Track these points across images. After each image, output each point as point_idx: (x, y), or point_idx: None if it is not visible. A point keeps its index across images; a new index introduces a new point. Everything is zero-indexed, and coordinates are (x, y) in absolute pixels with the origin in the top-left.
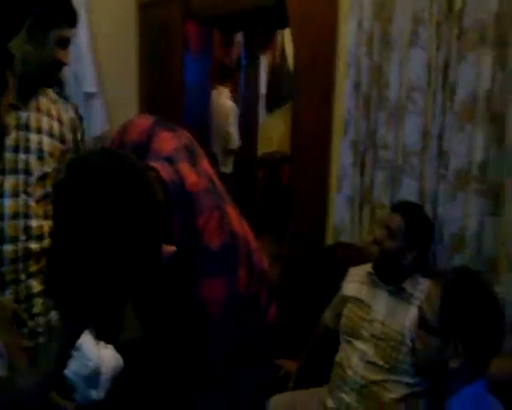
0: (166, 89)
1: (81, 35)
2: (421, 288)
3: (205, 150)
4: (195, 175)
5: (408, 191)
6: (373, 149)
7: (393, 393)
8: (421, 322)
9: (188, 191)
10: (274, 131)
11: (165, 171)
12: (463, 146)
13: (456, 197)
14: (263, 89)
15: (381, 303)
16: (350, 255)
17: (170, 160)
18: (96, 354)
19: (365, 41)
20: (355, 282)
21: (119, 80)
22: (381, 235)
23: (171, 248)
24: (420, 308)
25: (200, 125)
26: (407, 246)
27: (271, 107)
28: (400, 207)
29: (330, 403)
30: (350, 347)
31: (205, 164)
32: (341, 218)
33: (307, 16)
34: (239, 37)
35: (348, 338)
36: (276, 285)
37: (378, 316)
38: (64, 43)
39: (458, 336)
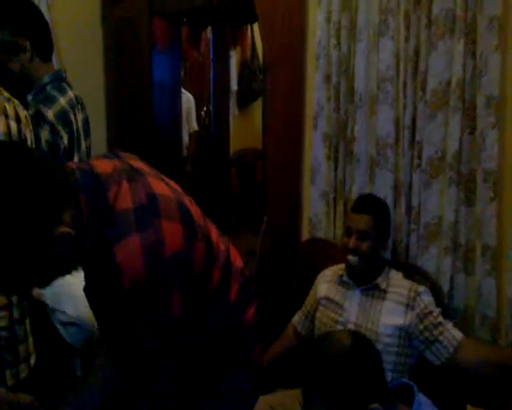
0: (134, 87)
1: None
2: (395, 282)
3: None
4: (108, 163)
5: (382, 184)
6: (344, 142)
7: None
8: None
9: (96, 173)
10: (246, 128)
11: (72, 163)
12: (436, 135)
13: (431, 187)
14: (234, 85)
15: (353, 304)
16: (324, 252)
17: (84, 162)
18: None
19: (334, 32)
20: (326, 283)
21: (84, 80)
22: (353, 243)
23: (64, 230)
24: None
25: (171, 122)
26: (380, 241)
27: (243, 103)
28: (362, 207)
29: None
30: None
31: (133, 161)
32: (315, 212)
33: (275, 10)
34: (208, 32)
35: None
36: (254, 285)
37: (351, 317)
38: None
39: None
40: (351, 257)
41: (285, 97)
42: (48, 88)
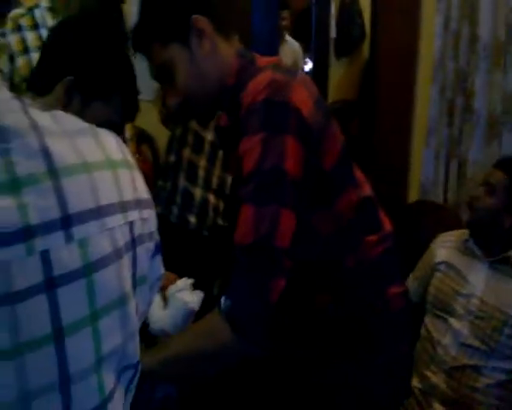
0: None
1: None
2: None
3: None
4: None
5: (508, 145)
6: (462, 97)
7: (490, 379)
8: None
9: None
10: (343, 79)
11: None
12: None
13: None
14: (333, 32)
15: (479, 276)
16: (433, 215)
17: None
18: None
19: None
20: (446, 248)
21: None
22: (477, 192)
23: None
24: None
25: None
26: (507, 206)
27: (341, 52)
28: (504, 164)
29: (415, 382)
30: (440, 322)
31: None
32: (427, 175)
33: None
34: None
35: (438, 313)
36: None
37: (476, 291)
38: None
39: None
40: (466, 211)
41: (397, 49)
42: None
